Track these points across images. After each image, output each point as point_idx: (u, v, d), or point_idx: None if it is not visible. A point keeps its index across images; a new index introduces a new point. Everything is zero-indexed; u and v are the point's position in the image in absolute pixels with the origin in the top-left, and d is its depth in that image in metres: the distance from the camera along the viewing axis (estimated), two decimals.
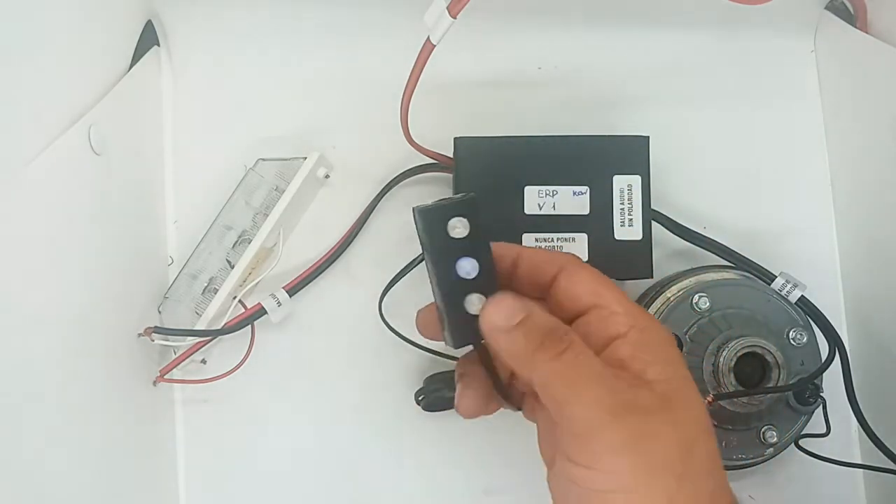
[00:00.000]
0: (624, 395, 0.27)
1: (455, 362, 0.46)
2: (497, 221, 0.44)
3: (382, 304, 0.46)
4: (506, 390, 0.33)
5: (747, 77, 0.51)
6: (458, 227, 0.30)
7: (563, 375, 0.28)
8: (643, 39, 0.51)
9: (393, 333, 0.45)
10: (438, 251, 0.30)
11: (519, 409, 0.34)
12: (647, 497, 0.26)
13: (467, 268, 0.30)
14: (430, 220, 0.30)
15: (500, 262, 0.32)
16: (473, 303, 0.30)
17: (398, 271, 0.45)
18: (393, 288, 0.46)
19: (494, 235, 0.43)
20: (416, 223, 0.30)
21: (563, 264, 0.32)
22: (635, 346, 0.29)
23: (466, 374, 0.33)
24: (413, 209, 0.30)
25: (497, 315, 0.29)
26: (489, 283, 0.30)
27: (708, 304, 0.44)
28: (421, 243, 0.31)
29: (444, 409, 0.46)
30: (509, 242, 0.33)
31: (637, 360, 0.29)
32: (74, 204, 0.38)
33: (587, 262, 0.42)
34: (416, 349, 0.46)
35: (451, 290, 0.30)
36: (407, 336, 0.46)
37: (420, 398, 0.47)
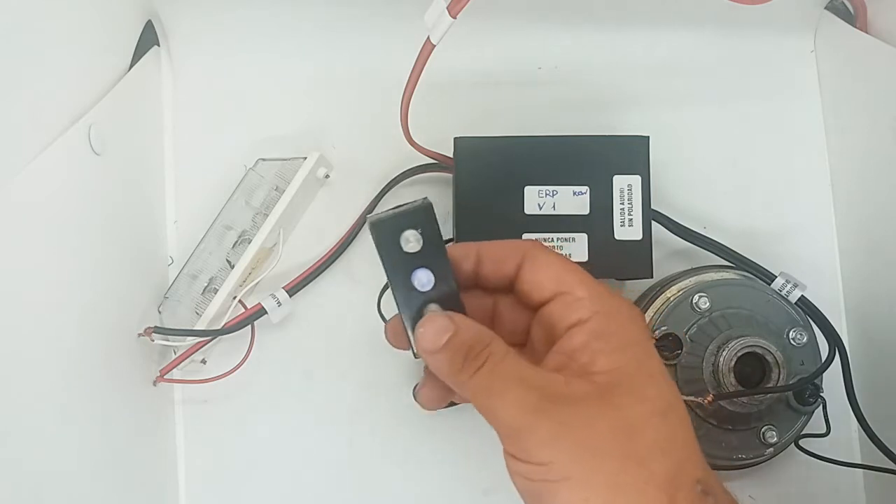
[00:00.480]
0: (552, 390, 0.28)
1: None
2: (497, 221, 0.44)
3: (381, 303, 0.46)
4: None
5: (747, 77, 0.51)
6: (412, 241, 0.30)
7: (483, 388, 0.29)
8: (643, 39, 0.51)
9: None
10: (393, 265, 0.30)
11: None
12: (587, 482, 0.27)
13: (423, 280, 0.30)
14: (383, 233, 0.30)
15: (462, 264, 0.32)
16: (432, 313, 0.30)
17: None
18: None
19: (495, 236, 0.43)
20: (371, 234, 0.30)
21: (524, 252, 0.31)
22: (591, 334, 0.29)
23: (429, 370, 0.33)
24: (367, 219, 0.30)
25: (424, 341, 0.30)
26: (447, 291, 0.31)
27: (708, 304, 0.44)
28: (378, 254, 0.30)
29: (446, 407, 0.46)
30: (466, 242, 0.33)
31: (587, 350, 0.29)
32: (74, 204, 0.38)
33: (587, 261, 0.43)
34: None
35: (409, 302, 0.31)
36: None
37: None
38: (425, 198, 0.30)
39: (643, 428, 0.27)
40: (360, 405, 0.48)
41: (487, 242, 0.32)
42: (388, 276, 0.30)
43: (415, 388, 0.34)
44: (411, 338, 0.31)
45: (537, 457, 0.27)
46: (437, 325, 0.29)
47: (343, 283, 0.48)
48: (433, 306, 0.31)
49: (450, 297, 0.31)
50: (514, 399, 0.28)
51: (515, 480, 0.29)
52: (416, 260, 0.30)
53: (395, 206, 0.31)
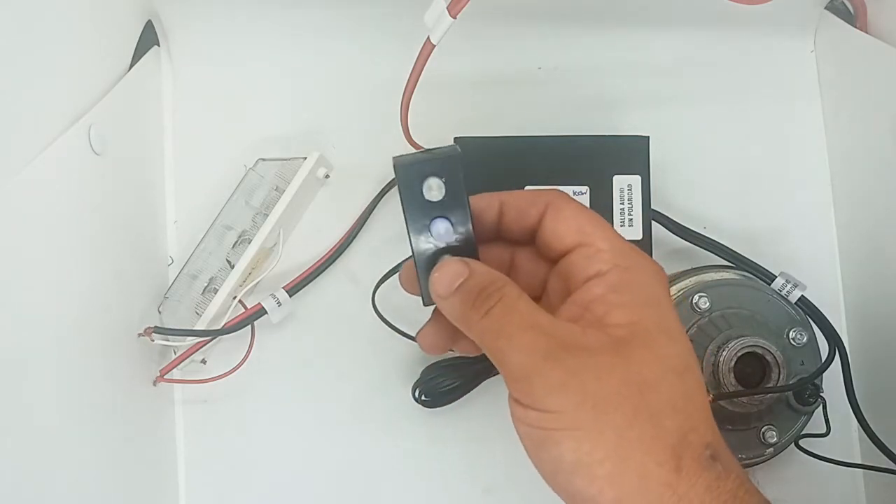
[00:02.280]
0: (565, 338, 0.27)
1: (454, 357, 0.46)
2: None
3: (376, 300, 0.45)
4: None
5: (747, 77, 0.51)
6: (434, 190, 0.29)
7: (493, 329, 0.28)
8: (643, 39, 0.51)
9: (391, 329, 0.45)
10: (414, 211, 0.30)
11: None
12: (594, 434, 0.26)
13: (440, 230, 0.30)
14: (407, 177, 0.29)
15: (484, 215, 0.31)
16: None
17: (391, 268, 0.45)
18: (390, 286, 0.46)
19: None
20: (395, 176, 0.30)
21: (548, 201, 0.31)
22: (609, 287, 0.28)
23: (438, 311, 0.32)
24: (393, 159, 0.30)
25: (438, 285, 0.29)
26: (465, 243, 0.30)
27: (708, 304, 0.44)
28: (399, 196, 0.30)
29: (442, 403, 0.46)
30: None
31: (603, 302, 0.28)
32: (74, 204, 0.38)
33: None
34: (416, 349, 0.46)
35: (424, 251, 0.30)
36: (404, 330, 0.46)
37: (417, 392, 0.46)
38: (455, 146, 0.30)
39: (657, 384, 0.27)
40: (359, 405, 0.48)
41: (511, 192, 0.32)
42: (406, 220, 0.30)
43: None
44: (422, 285, 0.30)
45: (544, 403, 0.26)
46: (451, 270, 0.29)
47: (343, 283, 0.48)
48: (447, 257, 0.30)
49: (466, 251, 0.30)
50: (525, 342, 0.27)
51: (518, 427, 0.28)
52: (437, 209, 0.30)
53: (425, 149, 0.30)
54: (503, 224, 0.32)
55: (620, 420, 0.26)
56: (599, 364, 0.27)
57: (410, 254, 0.31)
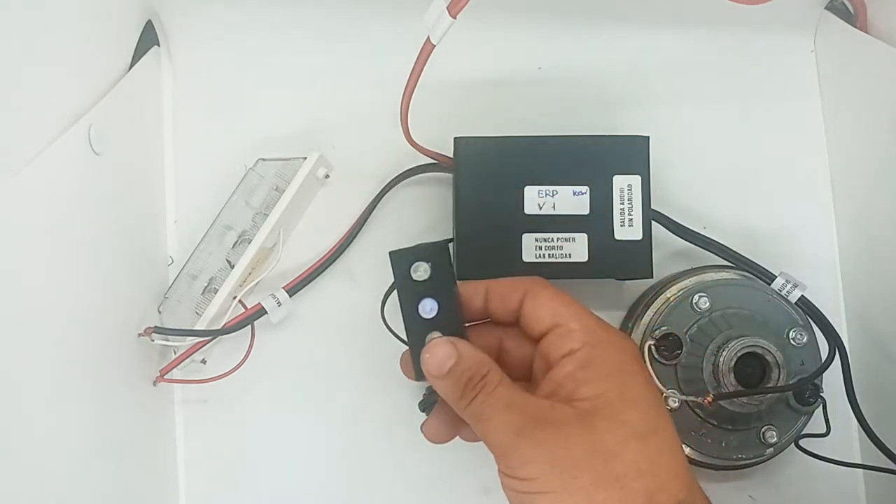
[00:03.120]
0: (535, 414, 0.31)
1: None
2: (497, 221, 0.44)
3: (384, 308, 0.45)
4: None
5: (747, 77, 0.51)
6: (420, 271, 0.34)
7: (478, 414, 0.32)
8: (643, 39, 0.51)
9: (394, 336, 0.45)
10: (404, 291, 0.34)
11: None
12: (565, 495, 0.29)
13: (427, 308, 0.34)
14: (397, 263, 0.34)
15: (473, 301, 0.35)
16: (433, 340, 0.34)
17: None
18: (395, 290, 0.45)
19: (494, 236, 0.43)
20: (390, 261, 0.34)
21: (526, 289, 0.34)
22: (578, 364, 0.32)
23: (442, 402, 0.36)
24: (389, 253, 0.34)
25: (430, 364, 0.33)
26: (451, 322, 0.34)
27: (708, 304, 0.44)
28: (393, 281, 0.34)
29: None
30: (476, 281, 0.36)
31: (572, 379, 0.32)
32: (74, 204, 0.38)
33: (587, 262, 0.43)
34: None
35: (414, 328, 0.34)
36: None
37: (423, 408, 0.46)
38: (444, 240, 0.35)
39: (621, 450, 0.30)
40: (359, 405, 0.48)
41: (494, 280, 0.35)
42: (399, 301, 0.34)
43: (426, 402, 0.37)
44: (414, 360, 0.34)
45: (521, 472, 0.30)
46: (441, 352, 0.33)
47: (343, 283, 0.48)
48: (435, 334, 0.34)
49: (453, 327, 0.34)
50: (501, 422, 0.31)
51: (505, 492, 0.32)
52: (425, 289, 0.34)
53: (417, 244, 0.34)
54: (489, 309, 0.35)
55: (588, 484, 0.29)
56: (566, 434, 0.30)
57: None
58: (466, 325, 0.35)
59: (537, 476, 0.30)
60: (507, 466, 0.31)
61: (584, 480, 0.29)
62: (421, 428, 0.37)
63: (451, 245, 0.35)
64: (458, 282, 0.35)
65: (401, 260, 0.34)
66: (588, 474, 0.29)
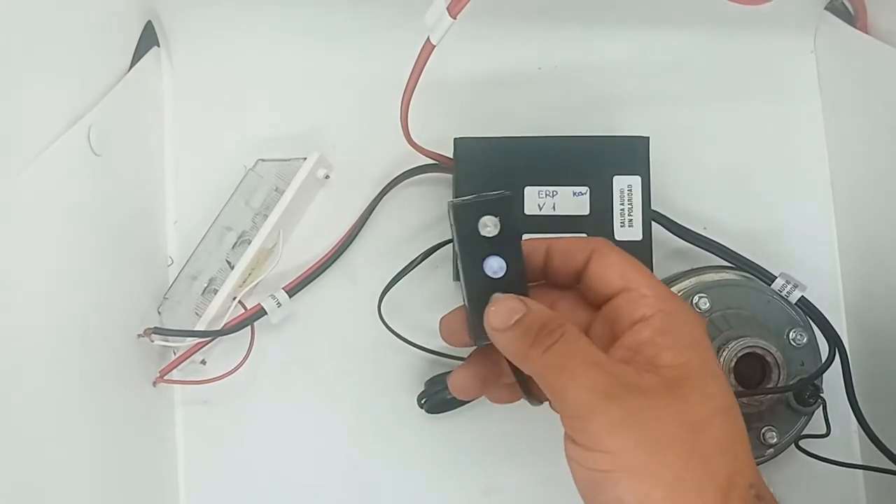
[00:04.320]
0: (623, 378, 0.28)
1: (455, 361, 0.46)
2: None
3: (382, 305, 0.46)
4: (527, 385, 0.34)
5: (747, 77, 0.51)
6: (489, 226, 0.31)
7: (555, 365, 0.29)
8: (643, 39, 0.51)
9: (392, 334, 0.45)
10: (468, 248, 0.31)
11: (541, 402, 0.34)
12: (652, 475, 0.26)
13: (494, 266, 0.31)
14: (462, 216, 0.31)
15: (532, 259, 0.32)
16: None
17: (398, 272, 0.45)
18: (392, 288, 0.46)
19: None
20: (449, 217, 0.31)
21: (594, 248, 0.32)
22: (656, 330, 0.29)
23: (474, 356, 0.34)
24: (448, 203, 0.31)
25: (495, 317, 0.30)
26: (517, 282, 0.31)
27: (708, 304, 0.44)
28: (452, 237, 0.31)
29: (448, 410, 0.46)
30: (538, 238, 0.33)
31: (652, 345, 0.29)
32: (74, 204, 0.38)
33: None
34: (416, 350, 0.46)
35: (477, 288, 0.31)
36: (406, 337, 0.46)
37: (423, 401, 0.47)
38: (508, 192, 0.31)
39: (708, 425, 0.27)
40: (360, 405, 0.48)
41: (557, 237, 0.33)
42: (460, 258, 0.31)
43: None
44: (473, 322, 0.31)
45: (602, 443, 0.27)
46: (508, 305, 0.30)
47: (343, 284, 0.48)
48: (499, 294, 0.31)
49: (519, 289, 0.31)
50: (586, 380, 0.28)
51: (574, 469, 0.28)
52: (491, 246, 0.31)
53: (477, 194, 0.31)
54: (549, 268, 0.33)
55: (676, 461, 0.27)
56: (657, 405, 0.27)
57: (461, 301, 0.32)
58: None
59: (621, 449, 0.27)
60: (582, 433, 0.28)
61: (671, 457, 0.27)
62: (447, 380, 0.35)
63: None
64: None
65: (466, 213, 0.31)
66: (676, 451, 0.27)
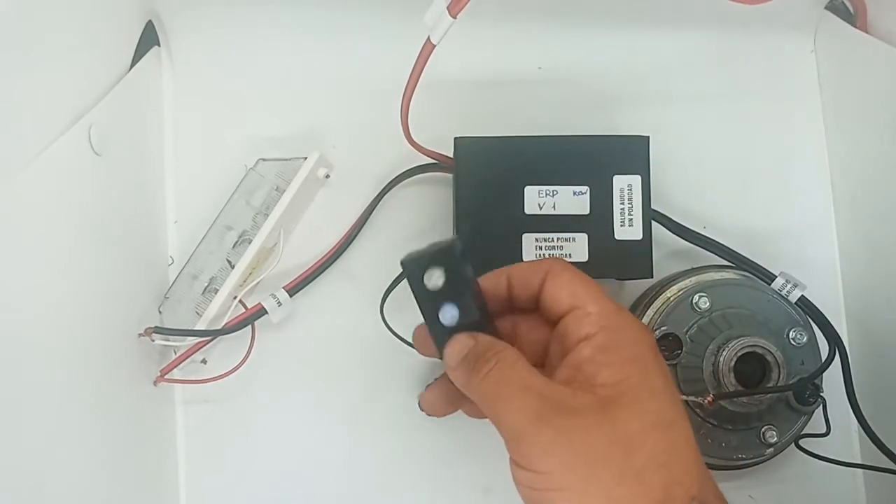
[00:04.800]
0: (556, 399, 0.29)
1: None
2: (497, 221, 0.44)
3: (384, 308, 0.46)
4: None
5: (747, 77, 0.51)
6: (434, 278, 0.32)
7: (491, 391, 0.30)
8: (643, 39, 0.51)
9: (394, 335, 0.45)
10: (422, 300, 0.32)
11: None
12: (584, 494, 0.27)
13: (448, 315, 0.32)
14: (411, 272, 0.32)
15: (496, 291, 0.34)
16: None
17: (399, 273, 0.45)
18: (393, 290, 0.46)
19: (495, 236, 0.43)
20: (402, 269, 0.32)
21: (547, 269, 0.33)
22: (596, 349, 0.30)
23: (444, 377, 0.35)
24: (400, 260, 0.32)
25: (448, 357, 0.32)
26: (475, 323, 0.32)
27: (708, 304, 0.44)
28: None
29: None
30: (496, 269, 0.35)
31: (592, 363, 0.30)
32: (74, 204, 0.38)
33: (587, 262, 0.43)
34: (416, 350, 0.46)
35: (440, 336, 0.32)
36: (407, 337, 0.46)
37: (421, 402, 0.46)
38: (455, 238, 0.32)
39: (642, 441, 0.28)
40: (360, 405, 0.48)
41: (516, 265, 0.34)
42: (420, 309, 0.32)
43: (420, 394, 0.35)
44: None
45: (537, 464, 0.28)
46: (459, 343, 0.32)
47: (343, 283, 0.48)
48: (457, 335, 0.32)
49: (478, 329, 0.32)
50: (518, 405, 0.29)
51: (519, 490, 0.30)
52: (442, 296, 0.32)
53: (430, 244, 0.32)
54: (513, 295, 0.34)
55: (608, 479, 0.27)
56: (587, 424, 0.28)
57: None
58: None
59: (554, 470, 0.28)
60: (520, 455, 0.29)
61: (603, 475, 0.27)
62: (418, 399, 0.36)
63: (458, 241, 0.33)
64: (477, 276, 0.33)
65: (413, 268, 0.32)
66: (608, 468, 0.27)
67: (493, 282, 0.34)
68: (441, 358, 0.33)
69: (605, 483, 0.27)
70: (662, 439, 0.28)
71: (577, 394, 0.29)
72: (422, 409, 0.37)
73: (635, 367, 0.30)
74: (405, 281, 0.45)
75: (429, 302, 0.32)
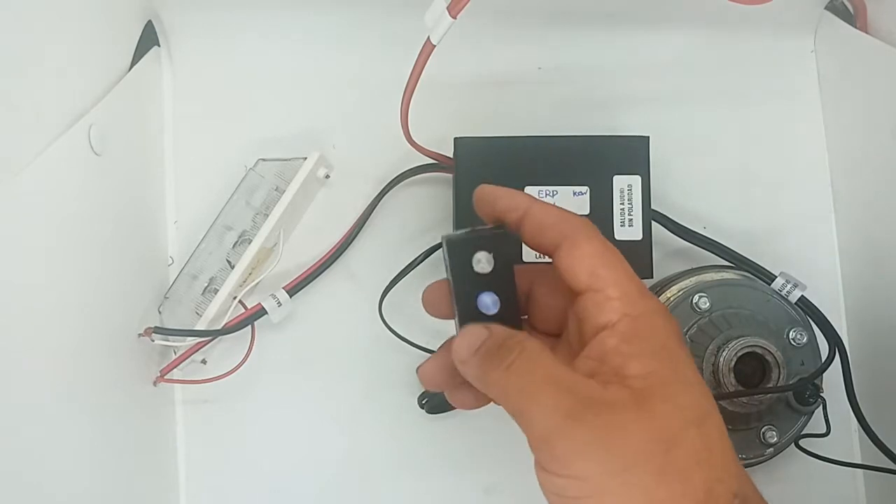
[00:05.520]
0: (586, 394, 0.26)
1: None
2: None
3: (382, 305, 0.46)
4: None
5: (747, 77, 0.51)
6: (483, 262, 0.30)
7: (515, 387, 0.27)
8: (643, 39, 0.51)
9: (393, 334, 0.45)
10: (461, 283, 0.30)
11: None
12: (623, 498, 0.25)
13: (488, 303, 0.30)
14: (456, 251, 0.30)
15: (508, 215, 0.31)
16: None
17: (398, 272, 0.45)
18: (393, 288, 0.46)
19: None
20: (442, 250, 0.30)
21: (567, 233, 0.29)
22: (621, 338, 0.27)
23: (444, 348, 0.32)
24: (442, 237, 0.30)
25: (459, 349, 0.29)
26: (510, 318, 0.30)
27: (708, 304, 0.44)
28: (446, 271, 0.31)
29: (448, 411, 0.47)
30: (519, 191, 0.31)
31: (619, 354, 0.27)
32: (74, 204, 0.38)
33: None
34: (416, 349, 0.46)
35: (469, 320, 0.30)
36: (406, 337, 0.46)
37: (423, 401, 0.47)
38: (504, 227, 0.30)
39: (682, 438, 0.26)
40: (360, 405, 0.48)
41: (539, 205, 0.30)
42: (453, 293, 0.30)
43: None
44: None
45: (572, 468, 0.26)
46: (471, 334, 0.29)
47: (343, 283, 0.48)
48: (468, 325, 0.30)
49: (511, 324, 0.30)
50: (548, 401, 0.26)
51: (547, 497, 0.27)
52: (485, 282, 0.30)
53: (471, 228, 0.30)
54: (522, 232, 0.31)
55: (649, 480, 0.25)
56: (623, 421, 0.26)
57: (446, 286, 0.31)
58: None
59: (590, 474, 0.25)
60: (550, 459, 0.26)
61: (644, 477, 0.25)
62: (417, 372, 0.33)
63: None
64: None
65: (460, 248, 0.30)
66: (648, 469, 0.25)
67: (508, 205, 0.31)
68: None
69: (646, 485, 0.25)
70: (700, 436, 0.26)
71: (609, 387, 0.26)
72: (423, 385, 0.34)
73: (665, 358, 0.27)
74: (403, 281, 0.45)
75: (469, 286, 0.30)
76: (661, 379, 0.27)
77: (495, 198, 0.31)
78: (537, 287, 0.32)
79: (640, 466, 0.25)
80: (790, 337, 0.44)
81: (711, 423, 0.27)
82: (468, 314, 0.30)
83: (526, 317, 0.32)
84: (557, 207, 0.30)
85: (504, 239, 0.30)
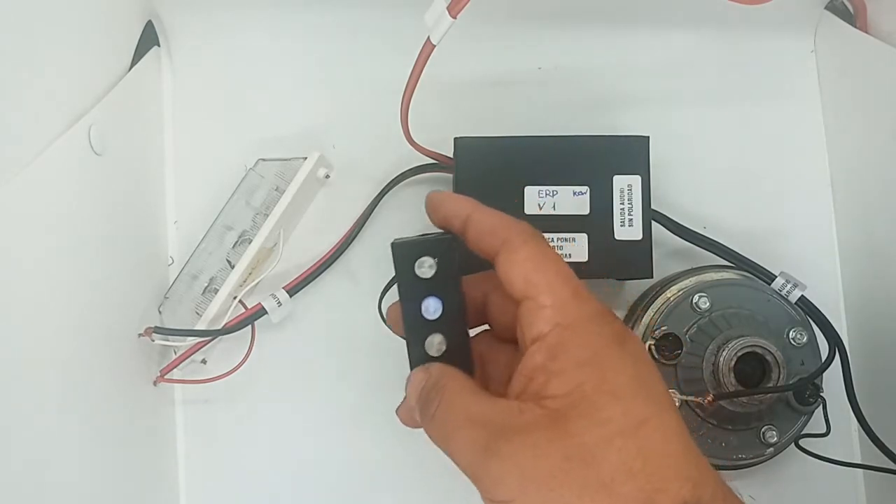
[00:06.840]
0: (500, 424, 0.27)
1: None
2: None
3: (382, 304, 0.46)
4: None
5: (747, 77, 0.52)
6: (424, 267, 0.30)
7: (439, 433, 0.28)
8: (643, 39, 0.51)
9: (397, 336, 0.45)
10: (406, 287, 0.31)
11: None
12: None
13: (431, 308, 0.31)
14: (400, 256, 0.31)
15: (452, 221, 0.31)
16: (433, 344, 0.31)
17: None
18: (393, 288, 0.45)
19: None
20: (392, 254, 0.31)
21: (505, 240, 0.28)
22: (548, 353, 0.27)
23: None
24: (391, 243, 0.31)
25: (409, 398, 0.30)
26: (454, 323, 0.31)
27: (708, 304, 0.44)
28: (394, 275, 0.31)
29: None
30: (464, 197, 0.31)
31: (543, 371, 0.27)
32: (74, 204, 0.38)
33: (587, 262, 0.43)
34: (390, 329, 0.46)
35: (415, 328, 0.31)
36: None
37: None
38: (450, 234, 0.31)
39: (604, 451, 0.25)
40: (360, 405, 0.48)
41: (480, 211, 0.30)
42: (400, 298, 0.31)
43: (398, 407, 0.33)
44: (411, 360, 0.32)
45: (497, 495, 0.26)
46: (415, 379, 0.30)
47: (343, 283, 0.48)
48: (437, 336, 0.31)
49: (455, 329, 0.31)
50: (465, 440, 0.27)
51: None
52: (429, 287, 0.31)
53: (421, 234, 0.31)
54: (466, 238, 0.30)
55: (570, 498, 0.25)
56: (535, 442, 0.26)
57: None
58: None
59: (511, 498, 0.25)
60: (482, 490, 0.27)
61: (564, 494, 0.25)
62: (396, 412, 0.33)
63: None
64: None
65: (404, 253, 0.30)
66: (567, 485, 0.25)
67: (453, 209, 0.30)
68: (407, 343, 0.32)
69: (566, 500, 0.25)
70: (631, 444, 0.25)
71: (525, 410, 0.26)
72: (400, 419, 0.34)
73: (591, 369, 0.26)
74: (385, 314, 0.45)
75: (413, 290, 0.31)
76: (583, 394, 0.26)
77: (440, 203, 0.31)
78: (492, 294, 0.32)
79: (557, 483, 0.25)
80: (790, 337, 0.44)
81: (649, 429, 0.26)
82: (412, 320, 0.31)
83: (487, 327, 0.33)
84: (500, 214, 0.30)
85: (448, 244, 0.31)
